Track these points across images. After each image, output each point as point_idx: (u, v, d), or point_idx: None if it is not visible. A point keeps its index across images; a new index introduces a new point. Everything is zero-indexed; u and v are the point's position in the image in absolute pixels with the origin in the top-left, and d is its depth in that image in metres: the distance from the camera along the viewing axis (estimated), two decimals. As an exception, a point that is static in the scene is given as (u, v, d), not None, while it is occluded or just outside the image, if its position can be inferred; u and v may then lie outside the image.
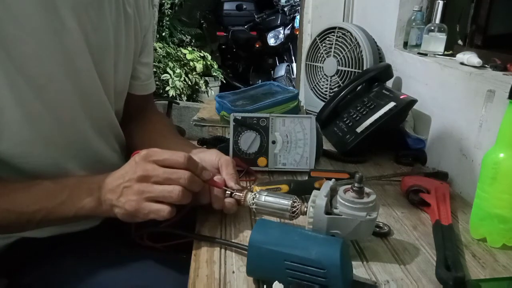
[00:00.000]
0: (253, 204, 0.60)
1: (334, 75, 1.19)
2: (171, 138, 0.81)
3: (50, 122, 0.62)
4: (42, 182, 0.59)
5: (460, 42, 1.06)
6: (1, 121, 0.57)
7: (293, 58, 4.32)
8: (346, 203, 0.53)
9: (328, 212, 0.53)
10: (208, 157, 0.68)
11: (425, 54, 0.99)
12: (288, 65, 4.40)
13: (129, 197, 0.56)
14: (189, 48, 4.26)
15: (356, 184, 0.53)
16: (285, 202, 0.59)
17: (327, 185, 0.56)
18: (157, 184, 0.56)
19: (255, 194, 0.61)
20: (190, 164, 0.58)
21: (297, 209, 0.58)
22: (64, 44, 0.61)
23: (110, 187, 0.57)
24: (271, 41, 4.61)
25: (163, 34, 4.37)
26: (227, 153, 0.81)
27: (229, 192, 0.63)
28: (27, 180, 0.61)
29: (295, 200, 0.59)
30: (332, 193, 0.56)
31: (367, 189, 0.55)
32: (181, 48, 4.22)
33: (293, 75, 4.15)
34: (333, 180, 0.57)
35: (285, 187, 0.70)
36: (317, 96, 1.26)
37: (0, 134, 0.58)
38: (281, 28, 4.57)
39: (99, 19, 0.66)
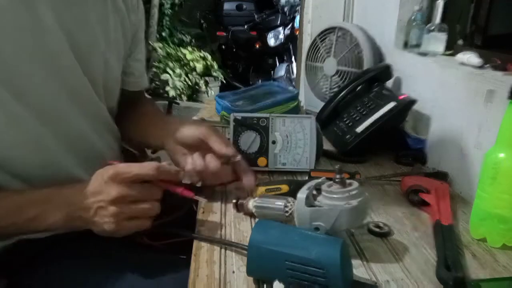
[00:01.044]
0: (254, 208, 0.63)
1: (334, 75, 1.19)
2: (156, 124, 0.82)
3: (36, 123, 0.61)
4: (11, 195, 0.59)
5: (460, 42, 1.06)
6: None
7: (293, 58, 4.32)
8: (326, 194, 0.54)
9: (311, 205, 0.54)
10: (187, 132, 0.69)
11: (425, 54, 0.99)
12: (288, 65, 4.40)
13: (106, 219, 0.55)
14: (189, 48, 4.26)
15: (337, 176, 0.54)
16: (279, 203, 0.60)
17: (312, 181, 0.57)
18: (133, 203, 0.56)
19: (255, 200, 0.63)
20: (162, 174, 0.57)
21: (289, 209, 0.59)
22: (44, 43, 0.59)
23: (81, 205, 0.56)
24: (271, 41, 4.61)
25: (163, 34, 4.37)
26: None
27: (235, 201, 0.66)
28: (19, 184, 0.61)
29: (289, 201, 0.60)
30: (319, 187, 0.56)
31: (350, 181, 0.55)
32: (181, 48, 4.22)
33: (293, 75, 4.15)
34: (322, 178, 0.58)
35: (285, 187, 0.70)
36: (317, 96, 1.26)
37: None
38: (281, 28, 4.57)
39: (83, 16, 0.64)
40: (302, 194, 0.55)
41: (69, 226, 0.59)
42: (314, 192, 0.56)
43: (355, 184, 0.55)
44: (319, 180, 0.57)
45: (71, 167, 0.67)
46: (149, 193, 0.57)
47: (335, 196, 0.53)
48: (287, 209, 0.59)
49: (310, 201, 0.54)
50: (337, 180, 0.55)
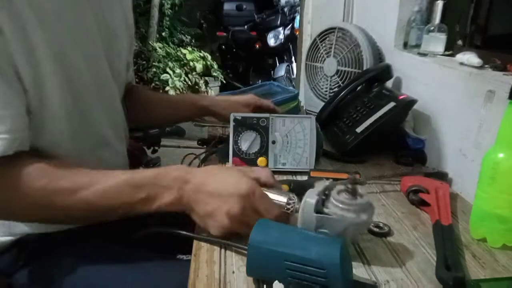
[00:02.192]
0: None
1: (334, 75, 1.19)
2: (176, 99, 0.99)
3: (76, 113, 0.65)
4: (119, 175, 0.59)
5: (460, 42, 1.06)
6: (45, 116, 0.61)
7: (293, 58, 4.32)
8: (337, 204, 0.53)
9: (319, 211, 0.53)
10: (237, 99, 0.94)
11: (425, 54, 0.99)
12: (288, 65, 4.40)
13: (215, 224, 0.56)
14: (189, 48, 4.27)
15: (349, 185, 0.53)
16: (281, 198, 0.59)
17: (322, 184, 0.56)
18: (250, 217, 0.56)
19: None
20: (279, 218, 0.57)
21: (291, 206, 0.59)
22: (88, 38, 0.66)
23: (197, 200, 0.57)
24: (271, 41, 4.61)
25: (163, 34, 4.37)
26: (227, 153, 0.81)
27: None
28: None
29: (292, 198, 0.59)
30: (328, 192, 0.55)
31: (361, 191, 0.54)
32: (181, 48, 4.23)
33: (293, 75, 4.15)
34: (330, 180, 0.57)
35: (285, 187, 0.70)
36: (317, 96, 1.26)
37: (41, 128, 0.61)
38: (281, 28, 4.57)
39: (110, 14, 0.72)
40: (311, 199, 0.53)
41: (175, 208, 0.59)
42: (323, 196, 0.55)
43: (366, 195, 0.54)
44: (328, 183, 0.56)
45: (86, 156, 0.70)
46: (272, 212, 0.57)
47: (345, 207, 0.52)
48: (289, 206, 0.59)
49: (318, 207, 0.53)
50: (348, 189, 0.53)
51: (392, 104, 0.90)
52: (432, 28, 0.98)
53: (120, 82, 0.80)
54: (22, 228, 0.66)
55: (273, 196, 0.60)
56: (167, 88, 3.83)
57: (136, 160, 1.29)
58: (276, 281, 0.48)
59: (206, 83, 4.19)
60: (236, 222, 0.55)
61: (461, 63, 0.87)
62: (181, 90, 3.91)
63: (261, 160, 0.81)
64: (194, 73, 4.07)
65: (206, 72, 4.23)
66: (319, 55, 1.24)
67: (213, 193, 0.56)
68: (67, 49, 0.62)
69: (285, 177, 0.80)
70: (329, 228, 0.53)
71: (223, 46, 5.15)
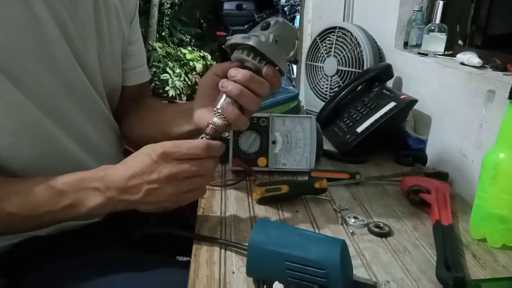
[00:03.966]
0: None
1: (334, 75, 1.19)
2: (170, 114, 0.78)
3: (34, 112, 0.61)
4: (40, 181, 0.57)
5: (460, 42, 1.06)
6: None
7: (293, 58, 4.31)
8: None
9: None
10: (202, 85, 0.68)
11: (426, 54, 0.99)
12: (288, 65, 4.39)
13: (163, 198, 0.55)
14: (189, 48, 4.26)
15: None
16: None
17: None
18: (188, 178, 0.55)
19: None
20: (212, 151, 0.56)
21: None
22: (39, 34, 0.60)
23: (124, 187, 0.55)
24: (271, 41, 4.59)
25: (163, 34, 4.37)
26: (227, 153, 0.81)
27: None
28: (19, 178, 0.60)
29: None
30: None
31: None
32: (181, 48, 4.23)
33: (293, 75, 4.15)
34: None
35: (285, 187, 0.70)
36: (317, 96, 1.26)
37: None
38: (281, 28, 4.55)
39: (75, 9, 0.65)
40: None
41: (110, 209, 0.58)
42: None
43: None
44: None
45: (74, 153, 0.68)
46: (203, 168, 0.56)
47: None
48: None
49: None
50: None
51: (392, 104, 0.90)
52: (432, 28, 0.98)
53: (106, 84, 0.74)
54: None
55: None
56: (167, 88, 3.83)
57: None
58: (276, 282, 0.47)
59: (206, 83, 4.19)
60: (170, 181, 0.54)
61: (462, 63, 0.87)
62: (181, 90, 3.91)
63: (261, 160, 0.81)
64: (194, 73, 4.07)
65: (206, 71, 4.23)
66: (319, 54, 1.24)
67: (134, 176, 0.55)
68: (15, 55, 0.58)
69: (285, 177, 0.80)
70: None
71: (223, 46, 5.14)
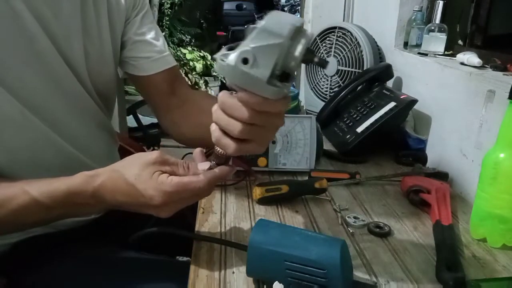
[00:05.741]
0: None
1: (334, 75, 1.19)
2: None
3: (17, 106, 0.60)
4: (28, 196, 0.54)
5: (460, 42, 1.06)
6: None
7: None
8: None
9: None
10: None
11: (426, 54, 0.99)
12: (288, 65, 4.39)
13: (162, 213, 0.54)
14: (189, 48, 4.26)
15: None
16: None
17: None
18: (186, 200, 0.54)
19: None
20: (214, 184, 0.55)
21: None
22: (18, 28, 0.59)
23: (122, 202, 0.54)
24: (271, 41, 4.60)
25: (163, 34, 4.37)
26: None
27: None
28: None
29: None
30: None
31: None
32: (181, 48, 4.23)
33: (293, 75, 4.14)
34: None
35: (285, 187, 0.70)
36: (317, 96, 1.26)
37: None
38: (281, 28, 4.56)
39: (58, 3, 0.63)
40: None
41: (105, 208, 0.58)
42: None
43: None
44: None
45: (51, 157, 0.66)
46: (203, 195, 0.56)
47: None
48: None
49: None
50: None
51: (392, 104, 0.90)
52: (432, 28, 0.98)
53: (93, 78, 0.72)
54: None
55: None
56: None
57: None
58: (276, 282, 0.47)
59: (206, 83, 4.19)
60: (167, 206, 0.53)
61: (462, 63, 0.87)
62: (181, 90, 3.91)
63: (261, 160, 0.81)
64: (194, 73, 4.07)
65: (206, 72, 4.22)
66: (319, 54, 1.24)
67: (129, 205, 0.53)
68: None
69: (285, 177, 0.80)
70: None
71: (223, 46, 5.14)
